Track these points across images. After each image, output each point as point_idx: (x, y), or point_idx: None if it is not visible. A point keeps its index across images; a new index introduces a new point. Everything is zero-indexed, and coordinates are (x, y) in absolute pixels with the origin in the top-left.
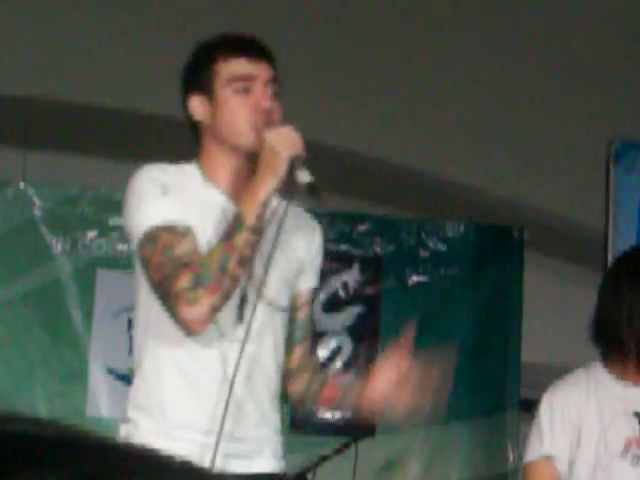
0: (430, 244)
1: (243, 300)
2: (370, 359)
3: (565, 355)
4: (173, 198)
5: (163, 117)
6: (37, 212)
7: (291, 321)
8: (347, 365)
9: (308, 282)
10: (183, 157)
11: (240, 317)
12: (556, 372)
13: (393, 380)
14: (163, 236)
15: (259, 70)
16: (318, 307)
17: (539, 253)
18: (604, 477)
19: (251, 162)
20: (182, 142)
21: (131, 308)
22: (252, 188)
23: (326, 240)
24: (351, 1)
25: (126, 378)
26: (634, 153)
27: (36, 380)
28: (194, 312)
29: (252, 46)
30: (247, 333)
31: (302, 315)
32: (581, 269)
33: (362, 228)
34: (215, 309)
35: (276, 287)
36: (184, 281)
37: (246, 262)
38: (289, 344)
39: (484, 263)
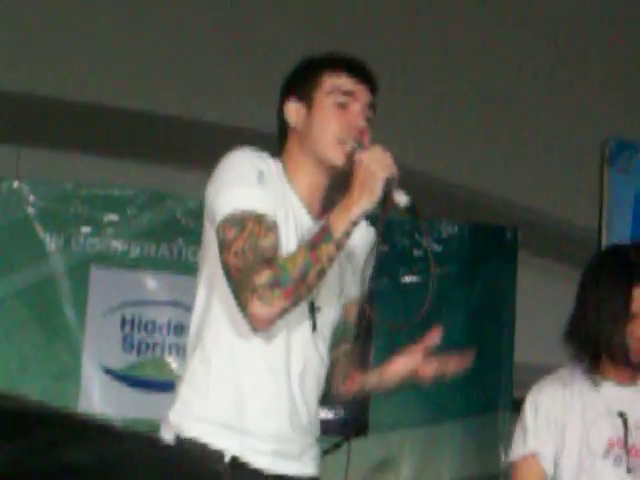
0: (424, 243)
1: (313, 308)
2: (363, 358)
3: (558, 355)
4: (267, 189)
5: (158, 115)
6: (31, 209)
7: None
8: None
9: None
10: (176, 153)
11: (314, 327)
12: (548, 372)
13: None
14: (251, 223)
15: (360, 91)
16: None
17: (533, 253)
18: (587, 477)
19: (331, 179)
20: (176, 139)
21: (124, 305)
22: (346, 204)
23: None
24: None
25: (119, 375)
26: (628, 153)
27: (29, 377)
28: (265, 311)
29: (358, 67)
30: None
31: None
32: (575, 269)
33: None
34: (285, 312)
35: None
36: (263, 278)
37: (324, 274)
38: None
39: (478, 263)
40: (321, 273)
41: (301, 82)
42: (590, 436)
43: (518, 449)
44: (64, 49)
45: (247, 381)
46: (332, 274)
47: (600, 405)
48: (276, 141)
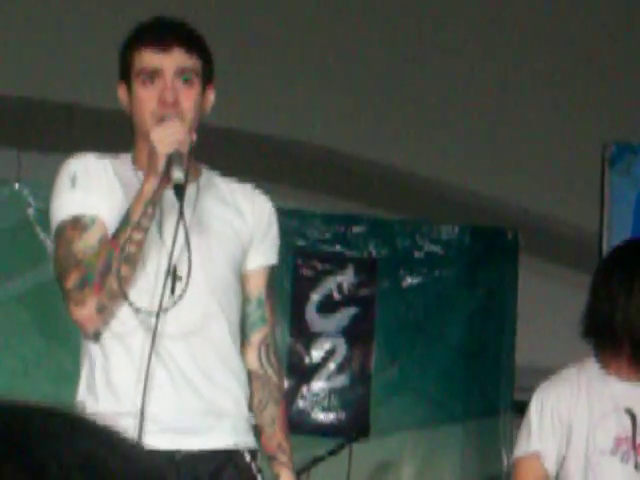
0: (425, 247)
1: (174, 278)
2: (364, 361)
3: (559, 358)
4: (84, 189)
5: None
6: (31, 212)
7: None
8: (341, 367)
9: (258, 259)
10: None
11: (172, 291)
12: (550, 374)
13: None
14: (67, 231)
15: (166, 60)
16: (312, 309)
17: (534, 255)
18: (593, 474)
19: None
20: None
21: None
22: (142, 186)
23: (321, 241)
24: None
25: None
26: (629, 156)
27: (30, 381)
28: (82, 313)
29: (161, 35)
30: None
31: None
32: (576, 272)
33: (357, 230)
34: (102, 308)
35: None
36: (72, 281)
37: (132, 259)
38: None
39: (479, 265)
40: (127, 259)
41: (121, 65)
42: (597, 433)
43: (521, 447)
44: (65, 52)
45: (113, 364)
46: (199, 242)
47: (608, 402)
48: (263, 142)
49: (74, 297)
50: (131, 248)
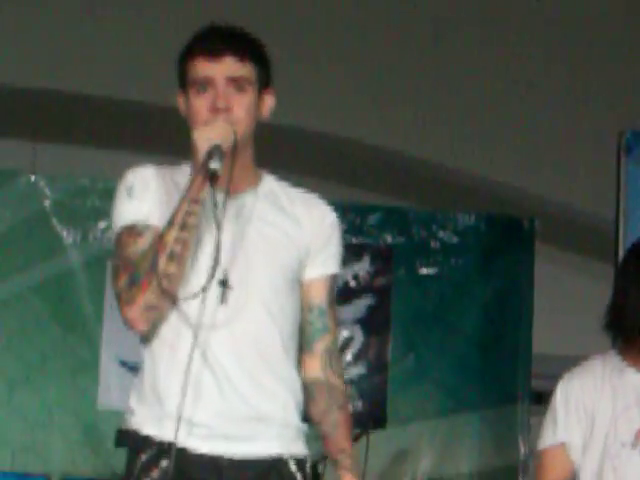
0: (441, 235)
1: (224, 284)
2: (381, 350)
3: (576, 346)
4: (139, 199)
5: (174, 109)
6: (48, 204)
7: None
8: (358, 356)
9: (318, 269)
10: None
11: (222, 300)
12: (567, 364)
13: None
14: (123, 237)
15: (217, 68)
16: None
17: (550, 244)
18: (612, 466)
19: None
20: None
21: None
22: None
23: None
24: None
25: (137, 369)
26: None
27: (48, 371)
28: (131, 311)
29: (214, 43)
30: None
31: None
32: (592, 260)
33: (373, 219)
34: (150, 307)
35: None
36: (122, 281)
37: (177, 258)
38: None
39: (495, 254)
40: (172, 258)
41: (179, 75)
42: (618, 425)
43: (547, 438)
44: (80, 44)
45: (161, 373)
46: (254, 250)
47: (631, 395)
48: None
49: (124, 297)
50: (176, 247)
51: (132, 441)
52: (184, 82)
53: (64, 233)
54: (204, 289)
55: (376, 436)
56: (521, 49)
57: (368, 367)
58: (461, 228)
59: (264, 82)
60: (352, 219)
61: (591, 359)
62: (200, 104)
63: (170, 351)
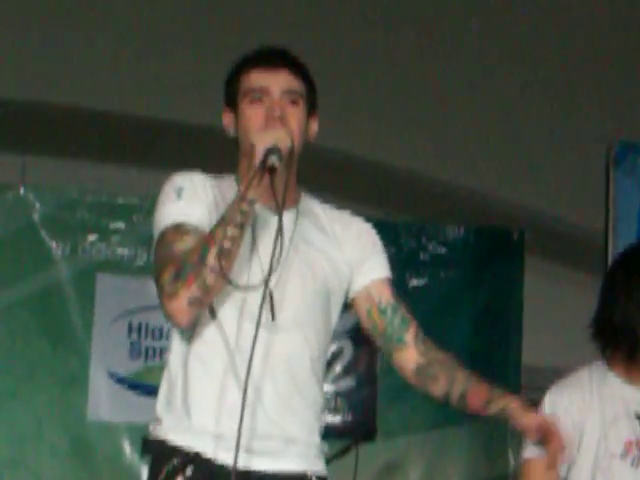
0: (430, 247)
1: (272, 299)
2: (370, 362)
3: (565, 358)
4: (188, 201)
5: (164, 122)
6: (37, 216)
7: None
8: (347, 369)
9: (368, 275)
10: (183, 161)
11: (272, 316)
12: (557, 375)
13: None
14: (168, 235)
15: (273, 79)
16: None
17: (539, 256)
18: (604, 478)
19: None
20: (182, 147)
21: (131, 312)
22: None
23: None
24: (361, 7)
25: (127, 382)
26: (634, 156)
27: (37, 384)
28: (173, 305)
29: (269, 57)
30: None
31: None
32: (581, 272)
33: None
34: (194, 301)
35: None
36: (167, 275)
37: (227, 254)
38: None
39: (484, 266)
40: (222, 253)
41: (227, 91)
42: (608, 436)
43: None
44: (69, 57)
45: (193, 384)
46: (294, 270)
47: (619, 406)
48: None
49: (167, 290)
50: (226, 243)
51: (158, 450)
52: (234, 97)
53: (53, 246)
54: (266, 282)
55: (366, 448)
56: (510, 63)
57: (358, 379)
58: (450, 240)
59: (312, 105)
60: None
61: (577, 371)
62: (255, 112)
63: (204, 366)
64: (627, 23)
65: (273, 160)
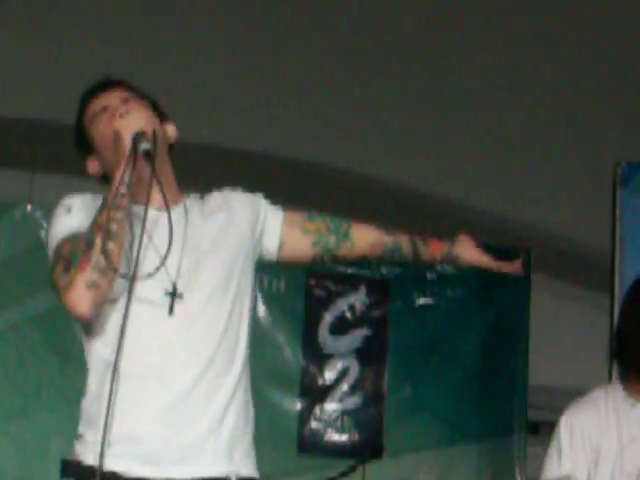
0: (437, 267)
1: (173, 295)
2: (377, 381)
3: (572, 377)
4: (78, 215)
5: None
6: (44, 234)
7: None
8: (354, 388)
9: (275, 231)
10: (186, 178)
11: (170, 310)
12: (563, 394)
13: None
14: (63, 245)
15: (110, 98)
16: (325, 330)
17: (546, 275)
18: None
19: (144, 167)
20: (186, 163)
21: None
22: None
23: (333, 262)
24: (369, 29)
25: None
26: None
27: (45, 402)
28: (71, 294)
29: (96, 87)
30: (122, 330)
31: (313, 230)
32: (588, 291)
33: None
34: (92, 284)
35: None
36: (58, 271)
37: (114, 236)
38: (337, 246)
39: (491, 285)
40: (110, 235)
41: (79, 140)
42: (624, 457)
43: (553, 470)
44: (78, 75)
45: (94, 390)
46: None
47: (635, 426)
48: (274, 162)
49: (62, 283)
50: (112, 226)
51: (76, 472)
52: (85, 139)
53: None
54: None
55: (373, 467)
56: (517, 80)
57: (365, 398)
58: None
59: (160, 112)
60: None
61: (594, 391)
62: (102, 122)
63: (106, 368)
64: (632, 41)
65: (144, 147)
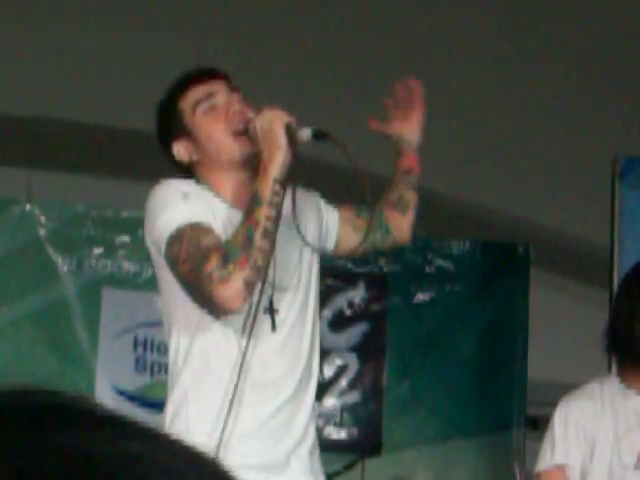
0: (436, 262)
1: (271, 310)
2: (376, 377)
3: (571, 372)
4: (194, 204)
5: None
6: (42, 231)
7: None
8: (353, 383)
9: (334, 230)
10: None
11: (273, 326)
12: (562, 389)
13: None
14: (188, 232)
15: (216, 86)
16: (324, 326)
17: (545, 270)
18: None
19: (248, 170)
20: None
21: (137, 327)
22: (263, 168)
23: (331, 258)
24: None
25: (133, 397)
26: (639, 169)
27: None
28: (229, 289)
29: (200, 73)
30: (249, 338)
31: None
32: (587, 286)
33: None
34: (249, 283)
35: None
36: (213, 262)
37: (270, 234)
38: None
39: (490, 280)
40: (266, 233)
41: (169, 124)
42: (621, 448)
43: (545, 460)
44: (74, 72)
45: (201, 399)
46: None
47: (632, 417)
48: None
49: (218, 276)
50: (268, 224)
51: None
52: (180, 124)
53: (59, 261)
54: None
55: (371, 463)
56: (516, 76)
57: (363, 394)
58: (456, 254)
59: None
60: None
61: (589, 384)
62: (213, 118)
63: (217, 378)
64: (633, 37)
65: (307, 133)
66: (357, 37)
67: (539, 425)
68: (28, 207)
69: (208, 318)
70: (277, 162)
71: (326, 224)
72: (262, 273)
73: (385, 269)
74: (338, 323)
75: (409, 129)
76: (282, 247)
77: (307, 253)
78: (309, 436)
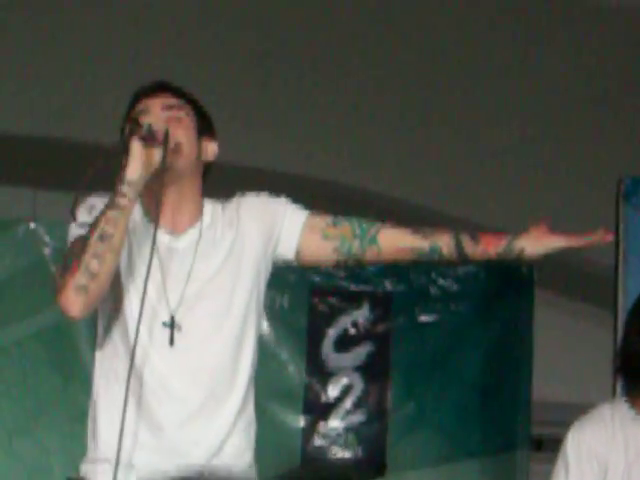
0: (440, 282)
1: (172, 325)
2: (381, 397)
3: (576, 393)
4: (96, 214)
5: None
6: (47, 251)
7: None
8: (357, 404)
9: (293, 237)
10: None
11: (171, 341)
12: (567, 410)
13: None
14: (71, 246)
15: (152, 101)
16: (329, 346)
17: (549, 291)
18: None
19: (158, 182)
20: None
21: None
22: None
23: (336, 278)
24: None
25: None
26: None
27: (47, 420)
28: (62, 296)
29: (149, 89)
30: (133, 353)
31: (336, 228)
32: (591, 307)
33: (372, 266)
34: (80, 288)
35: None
36: (58, 271)
37: (108, 238)
38: (361, 249)
39: (494, 301)
40: (103, 237)
41: (123, 139)
42: (632, 472)
43: None
44: (78, 93)
45: (106, 416)
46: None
47: None
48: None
49: (57, 286)
50: (106, 226)
51: None
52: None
53: None
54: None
55: None
56: (519, 96)
57: (368, 414)
58: (461, 275)
59: (204, 126)
60: (351, 266)
61: (599, 407)
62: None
63: (116, 394)
64: (636, 58)
65: (144, 128)
66: (359, 48)
67: (543, 446)
68: (33, 227)
69: (111, 327)
70: (125, 167)
71: (279, 231)
72: (103, 278)
73: (390, 289)
74: (343, 343)
75: (537, 247)
76: (198, 261)
77: (246, 266)
78: (224, 452)
